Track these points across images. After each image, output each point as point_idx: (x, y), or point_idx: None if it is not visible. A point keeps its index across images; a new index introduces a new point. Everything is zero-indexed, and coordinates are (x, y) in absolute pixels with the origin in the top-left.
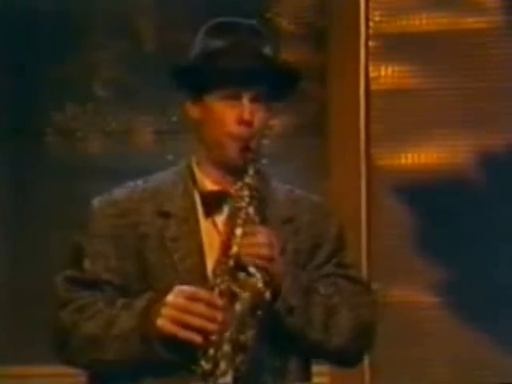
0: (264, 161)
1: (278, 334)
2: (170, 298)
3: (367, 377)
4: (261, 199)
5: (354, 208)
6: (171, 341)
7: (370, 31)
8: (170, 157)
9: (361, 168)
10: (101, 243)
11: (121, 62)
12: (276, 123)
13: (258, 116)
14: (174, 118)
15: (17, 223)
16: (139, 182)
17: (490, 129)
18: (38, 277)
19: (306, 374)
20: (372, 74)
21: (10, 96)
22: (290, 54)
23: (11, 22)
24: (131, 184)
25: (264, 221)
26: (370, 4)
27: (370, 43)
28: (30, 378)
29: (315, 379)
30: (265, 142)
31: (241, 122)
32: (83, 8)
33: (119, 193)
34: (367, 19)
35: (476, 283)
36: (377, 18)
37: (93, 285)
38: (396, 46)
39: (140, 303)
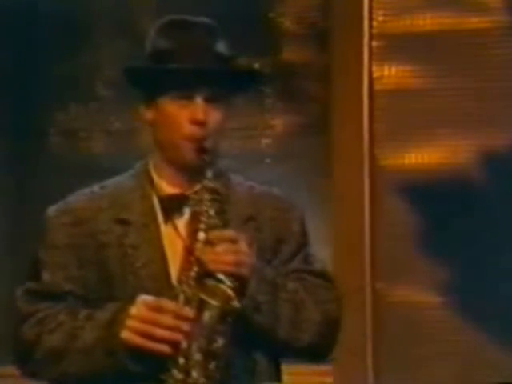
0: (267, 160)
1: (246, 334)
2: (133, 309)
3: (370, 376)
4: (222, 201)
5: (357, 208)
6: (138, 352)
7: (374, 31)
8: None
9: (364, 168)
10: (59, 254)
11: (124, 61)
12: (279, 123)
13: (214, 116)
14: None
15: (18, 224)
16: (95, 189)
17: (493, 129)
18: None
19: (277, 374)
20: (375, 74)
21: (13, 96)
22: (293, 54)
23: (15, 22)
24: (87, 191)
25: (227, 223)
26: (374, 4)
27: (374, 43)
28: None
29: (318, 378)
30: (267, 141)
31: (194, 122)
32: (86, 8)
33: (75, 200)
34: (370, 19)
35: (479, 283)
36: (380, 18)
37: (54, 296)
38: (399, 46)
39: (103, 315)
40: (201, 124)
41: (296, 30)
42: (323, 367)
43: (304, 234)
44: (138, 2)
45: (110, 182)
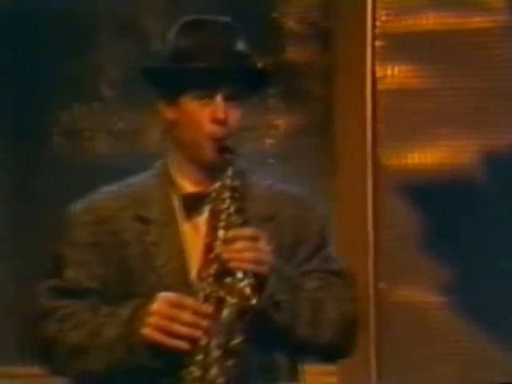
0: (271, 160)
1: (265, 332)
2: (154, 306)
3: (374, 376)
4: (241, 199)
5: (360, 207)
6: (158, 349)
7: (377, 31)
8: None
9: (367, 168)
10: (82, 251)
11: (127, 61)
12: (282, 123)
13: (233, 114)
14: None
15: (20, 224)
16: (117, 187)
17: (496, 129)
18: (41, 278)
19: (295, 374)
20: (378, 74)
21: (16, 96)
22: (296, 54)
23: (18, 22)
24: (109, 189)
25: (246, 221)
26: (377, 4)
27: (377, 43)
28: (31, 377)
29: (323, 379)
30: (270, 141)
31: (215, 120)
32: (90, 7)
33: (97, 199)
34: (374, 19)
35: (481, 283)
36: (383, 18)
37: (76, 293)
38: (402, 46)
39: (124, 311)
40: (222, 123)
41: (299, 29)
42: (327, 367)
43: (324, 233)
44: (141, 2)
45: (132, 181)
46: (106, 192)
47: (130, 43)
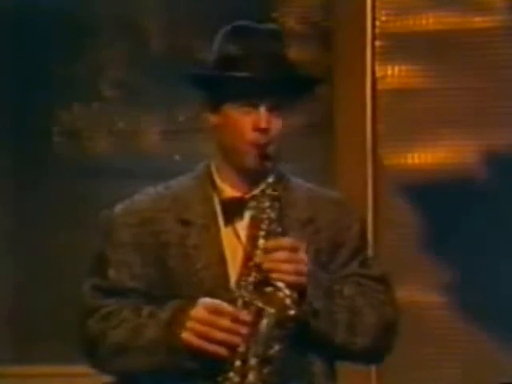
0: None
1: (303, 338)
2: (193, 311)
3: (374, 377)
4: (281, 207)
5: (361, 208)
6: (197, 352)
7: (377, 31)
8: (176, 157)
9: (367, 168)
10: (124, 252)
11: (128, 61)
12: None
13: (276, 123)
14: (181, 118)
15: (22, 224)
16: (159, 189)
17: (496, 128)
18: (40, 277)
19: (332, 378)
20: (378, 74)
21: (16, 96)
22: (297, 54)
23: (18, 22)
24: (151, 191)
25: (286, 229)
26: (377, 4)
27: (377, 43)
28: (30, 377)
29: None
30: None
31: (257, 129)
32: (90, 8)
33: (140, 201)
34: (374, 19)
35: (483, 283)
36: (383, 18)
37: (118, 293)
38: (402, 46)
39: (165, 314)
40: (264, 131)
41: (299, 29)
42: None
43: (362, 237)
44: (141, 3)
45: (173, 183)
46: (147, 193)
47: (130, 44)
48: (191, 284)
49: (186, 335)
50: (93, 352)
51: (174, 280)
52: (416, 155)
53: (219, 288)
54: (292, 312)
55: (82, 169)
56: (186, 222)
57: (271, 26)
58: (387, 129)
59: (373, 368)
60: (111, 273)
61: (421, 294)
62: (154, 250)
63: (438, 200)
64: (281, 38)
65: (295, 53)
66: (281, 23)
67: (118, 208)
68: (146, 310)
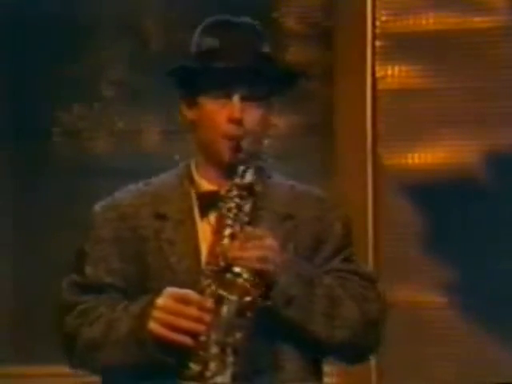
0: (270, 160)
1: (275, 328)
2: (159, 300)
3: (374, 377)
4: (250, 198)
5: (361, 207)
6: (166, 344)
7: (377, 31)
8: (177, 156)
9: (367, 168)
10: (102, 248)
11: (128, 62)
12: (282, 123)
13: (251, 115)
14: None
15: (22, 224)
16: (140, 185)
17: (496, 128)
18: (40, 277)
19: (314, 374)
20: (379, 74)
21: (16, 96)
22: (297, 54)
23: (19, 23)
24: (133, 187)
25: (256, 220)
26: (377, 3)
27: (377, 43)
28: (30, 377)
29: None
30: (271, 141)
31: (231, 120)
32: (90, 8)
33: (120, 197)
34: (374, 19)
35: (484, 283)
36: (383, 18)
37: (95, 288)
38: (403, 46)
39: (135, 306)
40: (237, 122)
41: (299, 29)
42: (326, 367)
43: (346, 234)
44: (141, 3)
45: (154, 180)
46: (128, 190)
47: (130, 44)
48: (167, 278)
49: (152, 325)
50: (71, 349)
51: (150, 275)
52: (416, 155)
53: (194, 281)
54: (250, 298)
55: (82, 169)
56: (162, 217)
57: (247, 19)
58: (387, 129)
59: (373, 368)
60: (88, 269)
61: (421, 294)
62: (133, 244)
63: (438, 200)
64: (258, 30)
65: (295, 53)
66: (281, 23)
67: (99, 205)
68: (121, 305)
